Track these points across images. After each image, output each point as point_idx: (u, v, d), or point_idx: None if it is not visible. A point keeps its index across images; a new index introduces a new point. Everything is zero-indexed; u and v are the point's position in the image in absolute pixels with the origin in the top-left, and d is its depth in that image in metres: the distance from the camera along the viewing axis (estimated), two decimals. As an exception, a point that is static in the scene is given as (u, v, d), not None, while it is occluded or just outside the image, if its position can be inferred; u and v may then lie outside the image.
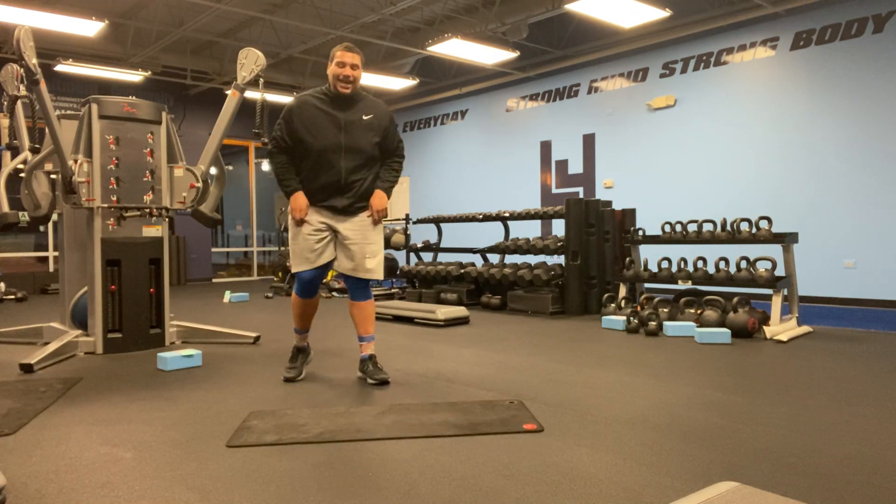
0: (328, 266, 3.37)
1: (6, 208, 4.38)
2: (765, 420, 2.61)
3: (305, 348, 3.61)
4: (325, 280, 9.45)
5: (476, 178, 11.04)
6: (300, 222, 3.30)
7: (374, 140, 3.33)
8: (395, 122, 3.46)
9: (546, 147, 9.91)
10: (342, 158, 3.27)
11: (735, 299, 4.85)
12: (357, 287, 3.38)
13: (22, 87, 4.58)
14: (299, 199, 3.27)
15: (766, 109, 7.58)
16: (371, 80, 9.60)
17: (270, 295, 8.46)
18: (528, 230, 8.91)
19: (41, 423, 2.66)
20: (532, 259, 7.23)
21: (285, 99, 11.02)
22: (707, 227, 5.38)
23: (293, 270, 3.38)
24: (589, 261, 6.25)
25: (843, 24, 6.99)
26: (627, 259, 5.82)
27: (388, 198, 3.42)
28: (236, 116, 4.62)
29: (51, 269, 10.01)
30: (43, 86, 3.76)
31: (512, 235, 7.44)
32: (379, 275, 3.38)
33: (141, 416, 2.76)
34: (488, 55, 8.40)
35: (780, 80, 7.48)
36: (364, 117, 3.30)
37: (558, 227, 9.01)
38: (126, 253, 4.34)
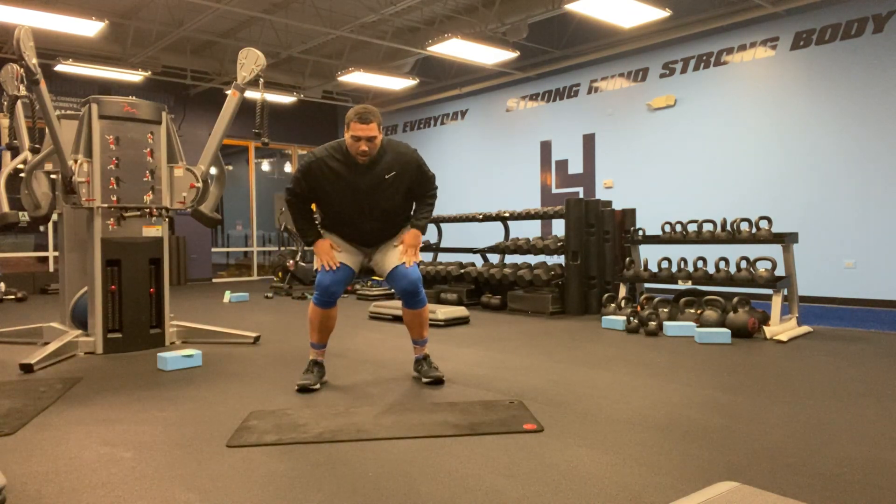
0: (349, 278, 3.29)
1: (6, 208, 4.38)
2: (765, 420, 2.61)
3: (322, 363, 3.37)
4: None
5: (476, 178, 11.04)
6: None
7: (400, 197, 3.23)
8: (422, 163, 3.29)
9: (546, 147, 9.91)
10: (366, 220, 3.22)
11: (735, 299, 4.85)
12: (408, 294, 3.24)
13: (22, 87, 4.58)
14: (323, 244, 3.20)
15: (766, 109, 7.58)
16: (371, 80, 9.61)
17: (270, 295, 8.46)
18: (528, 230, 8.90)
19: (41, 423, 2.66)
20: (532, 259, 7.23)
21: (285, 99, 11.05)
22: (707, 227, 5.38)
23: (317, 278, 3.26)
24: (589, 261, 6.25)
25: (843, 24, 6.99)
26: (627, 259, 5.82)
27: (423, 234, 3.37)
28: (236, 116, 4.62)
29: (51, 269, 10.01)
30: (43, 86, 3.76)
31: (512, 235, 7.44)
32: (416, 256, 3.29)
33: (141, 416, 2.76)
34: (488, 55, 8.39)
35: (780, 80, 7.48)
36: (387, 177, 3.14)
37: (558, 227, 9.00)
38: (126, 253, 4.34)
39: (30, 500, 1.88)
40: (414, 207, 3.39)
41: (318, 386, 3.24)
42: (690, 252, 5.56)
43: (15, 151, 4.76)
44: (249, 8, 7.95)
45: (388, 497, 1.86)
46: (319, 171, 3.13)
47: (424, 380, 3.33)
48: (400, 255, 3.26)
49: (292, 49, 9.38)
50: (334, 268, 3.17)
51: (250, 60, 4.56)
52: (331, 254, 3.19)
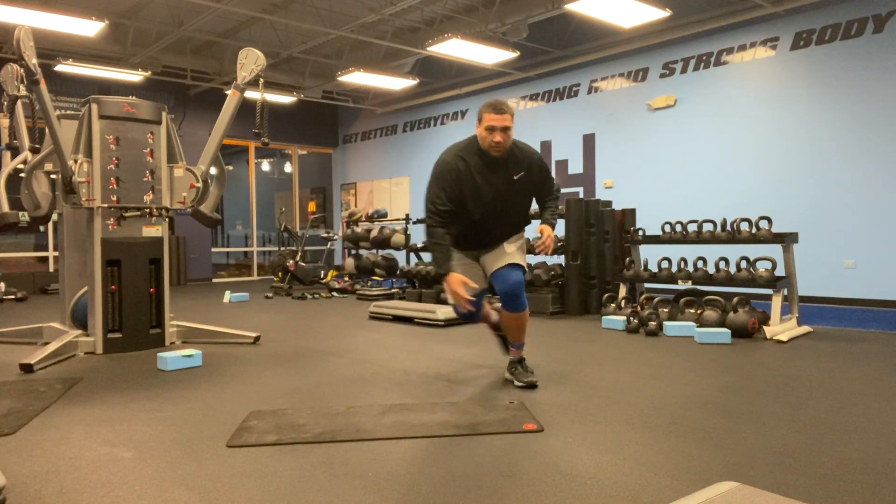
0: (482, 296, 3.27)
1: (6, 208, 4.38)
2: (765, 420, 2.61)
3: (521, 359, 3.34)
4: (324, 280, 9.46)
5: (476, 178, 11.03)
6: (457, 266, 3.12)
7: (525, 198, 3.21)
8: (545, 163, 3.29)
9: (546, 147, 9.90)
10: (490, 221, 3.14)
11: (735, 299, 4.85)
12: (509, 296, 3.14)
13: (22, 87, 4.58)
14: (455, 280, 2.95)
15: (766, 109, 7.58)
16: (371, 80, 9.60)
17: (270, 295, 8.46)
18: (528, 230, 8.90)
19: (41, 423, 2.66)
20: (532, 259, 7.22)
21: (285, 99, 11.04)
22: (707, 227, 5.38)
23: (454, 309, 3.18)
24: (589, 261, 6.25)
25: (843, 24, 6.99)
26: (627, 259, 5.82)
27: (553, 229, 3.29)
28: (236, 116, 4.62)
29: (51, 269, 10.01)
30: (43, 86, 3.76)
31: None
32: (522, 260, 3.22)
33: (141, 416, 2.76)
34: (488, 55, 8.39)
35: (780, 81, 7.48)
36: (515, 177, 3.10)
37: (558, 227, 9.00)
38: (126, 253, 4.34)
39: (30, 500, 1.88)
40: (542, 206, 3.36)
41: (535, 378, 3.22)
42: (690, 252, 5.56)
43: (15, 151, 4.76)
44: (249, 8, 7.95)
45: (388, 497, 1.86)
46: (455, 175, 3.02)
47: (517, 384, 3.23)
48: (508, 257, 3.17)
49: (292, 49, 9.38)
50: (465, 308, 3.02)
51: (250, 60, 4.56)
52: (462, 292, 2.93)
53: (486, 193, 3.07)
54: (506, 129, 2.99)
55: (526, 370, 3.29)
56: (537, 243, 3.25)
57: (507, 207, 3.16)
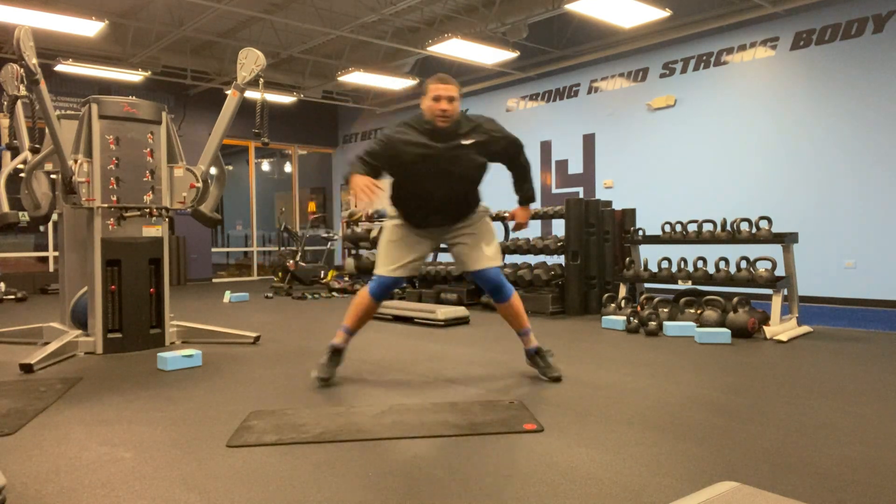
0: (402, 280, 3.34)
1: (6, 208, 4.38)
2: (765, 420, 2.61)
3: (343, 350, 3.40)
4: (324, 280, 9.46)
5: (476, 178, 11.03)
6: (401, 237, 3.26)
7: (476, 167, 3.21)
8: (497, 126, 3.27)
9: (546, 147, 9.90)
10: (439, 189, 3.19)
11: (735, 299, 4.85)
12: (494, 288, 3.29)
13: (22, 87, 4.58)
14: (361, 178, 2.98)
15: (765, 109, 7.58)
16: (371, 80, 9.60)
17: (270, 295, 8.46)
18: (529, 230, 8.91)
19: (41, 423, 2.66)
20: (532, 259, 7.22)
21: (285, 99, 11.05)
22: (707, 227, 5.38)
23: (376, 271, 3.30)
24: (589, 261, 6.25)
25: (843, 24, 6.99)
26: (627, 259, 5.82)
27: (533, 201, 3.45)
28: (236, 116, 4.62)
29: (51, 269, 10.01)
30: (43, 86, 3.76)
31: (512, 235, 7.43)
32: (498, 261, 3.33)
33: (141, 416, 2.76)
34: (488, 55, 8.39)
35: (780, 81, 7.48)
36: (464, 142, 3.15)
37: (558, 227, 9.00)
38: (126, 253, 4.34)
39: (30, 500, 1.88)
40: (513, 180, 3.42)
41: (331, 379, 3.29)
42: (690, 252, 5.56)
43: (15, 151, 4.76)
44: (249, 8, 7.95)
45: (388, 497, 1.86)
46: (399, 142, 3.10)
47: (543, 378, 3.34)
48: (487, 260, 3.28)
49: (292, 49, 9.38)
50: (371, 198, 2.96)
51: (250, 60, 4.56)
52: (370, 187, 2.93)
53: (432, 158, 3.12)
54: (451, 99, 3.06)
55: (548, 363, 3.36)
56: (513, 227, 3.44)
57: (455, 174, 3.18)
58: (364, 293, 3.32)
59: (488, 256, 3.29)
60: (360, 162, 3.11)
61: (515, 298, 3.36)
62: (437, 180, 3.17)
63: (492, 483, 1.96)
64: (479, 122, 3.23)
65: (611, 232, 6.29)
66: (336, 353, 3.36)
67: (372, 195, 2.94)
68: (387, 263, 3.30)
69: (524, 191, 3.44)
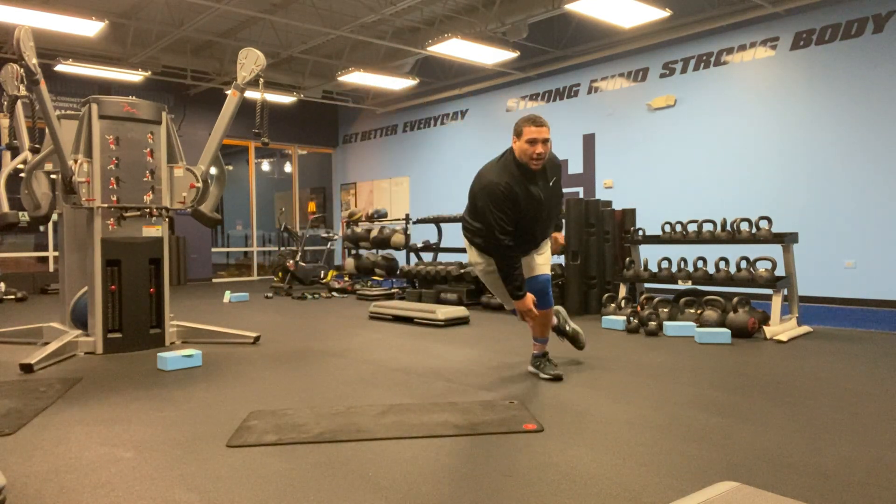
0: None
1: (6, 208, 4.38)
2: (765, 420, 2.61)
3: (545, 353, 3.56)
4: (324, 280, 9.46)
5: (476, 178, 11.03)
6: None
7: (560, 200, 3.48)
8: (560, 171, 3.46)
9: (546, 147, 9.89)
10: (539, 227, 3.34)
11: (735, 299, 4.85)
12: (540, 293, 3.39)
13: (22, 87, 4.58)
14: (529, 303, 3.25)
15: (766, 109, 7.58)
16: (371, 80, 9.60)
17: (270, 295, 8.46)
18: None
19: (41, 423, 2.66)
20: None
21: (285, 99, 11.04)
22: (707, 227, 5.38)
23: (507, 308, 3.50)
24: (589, 261, 6.24)
25: (843, 24, 6.99)
26: (627, 259, 5.82)
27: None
28: (236, 116, 4.62)
29: (51, 269, 10.01)
30: (43, 86, 3.76)
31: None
32: (546, 270, 3.46)
33: (141, 416, 2.76)
34: (488, 55, 8.39)
35: (780, 80, 7.48)
36: (551, 182, 3.31)
37: (558, 227, 9.01)
38: (126, 253, 4.34)
39: (30, 500, 1.88)
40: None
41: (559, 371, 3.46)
42: (690, 252, 5.56)
43: (15, 151, 4.76)
44: (249, 8, 7.95)
45: (388, 497, 1.86)
46: (517, 196, 3.14)
47: (543, 376, 3.43)
48: (539, 268, 3.43)
49: (292, 49, 9.38)
50: (531, 323, 3.41)
51: (250, 60, 4.56)
52: (534, 311, 3.26)
53: (533, 204, 3.22)
54: (546, 142, 3.14)
55: (551, 364, 3.47)
56: (553, 248, 3.59)
57: (549, 210, 3.36)
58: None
59: (540, 264, 3.45)
60: (510, 260, 3.21)
61: (551, 311, 3.51)
62: (538, 219, 3.30)
63: (492, 483, 1.96)
64: (553, 160, 3.36)
65: (611, 232, 6.29)
66: (543, 356, 3.54)
67: (536, 313, 3.28)
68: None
69: (558, 220, 3.68)
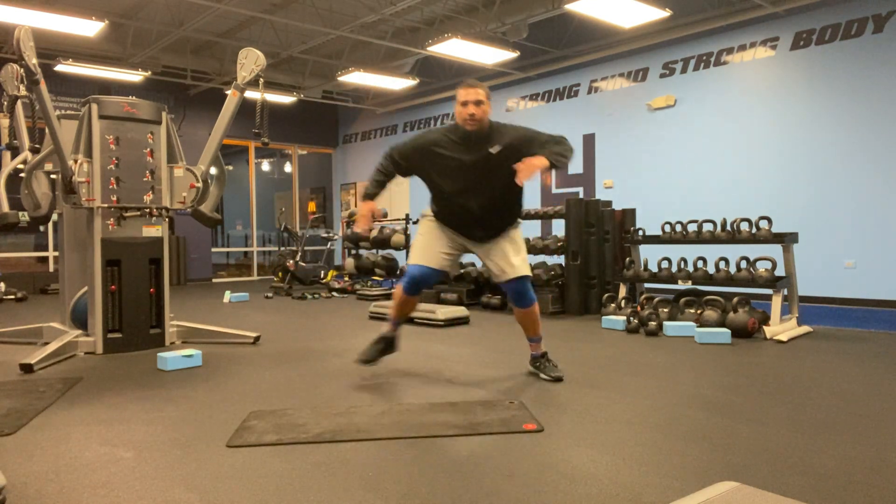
0: (439, 274, 3.43)
1: (6, 208, 4.38)
2: (765, 420, 2.61)
3: (392, 339, 3.53)
4: (324, 280, 9.46)
5: (476, 178, 11.02)
6: (432, 230, 3.37)
7: (507, 174, 3.01)
8: (528, 129, 3.21)
9: (546, 147, 9.89)
10: (472, 199, 3.24)
11: (735, 299, 4.85)
12: (517, 294, 3.37)
13: (22, 87, 4.58)
14: (366, 206, 3.26)
15: (766, 109, 7.58)
16: (371, 80, 9.60)
17: (270, 295, 8.46)
18: (529, 230, 8.90)
19: (41, 423, 2.66)
20: (532, 259, 7.22)
21: (285, 99, 11.05)
22: (707, 227, 5.38)
23: (409, 262, 3.42)
24: (589, 261, 6.24)
25: (843, 24, 6.99)
26: (627, 259, 5.82)
27: (550, 167, 2.92)
28: (236, 116, 4.62)
29: (51, 269, 10.01)
30: (43, 86, 3.76)
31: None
32: (527, 270, 3.38)
33: (141, 416, 2.76)
34: (488, 55, 8.39)
35: (780, 80, 7.48)
36: (493, 150, 3.15)
37: (558, 227, 9.00)
38: (126, 253, 4.34)
39: (30, 500, 1.88)
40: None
41: (377, 364, 3.50)
42: (690, 252, 5.56)
43: (15, 151, 4.76)
44: (249, 8, 7.95)
45: (388, 497, 1.86)
46: (427, 149, 3.22)
47: (543, 377, 3.41)
48: (515, 270, 3.33)
49: (292, 49, 9.38)
50: (366, 228, 3.32)
51: (250, 60, 4.56)
52: (367, 218, 3.26)
53: (462, 167, 3.19)
54: (478, 103, 3.11)
55: (552, 364, 3.44)
56: (518, 166, 2.94)
57: (486, 183, 3.21)
58: (398, 287, 3.44)
59: (516, 266, 3.34)
60: (380, 169, 3.29)
61: (536, 307, 3.44)
62: (472, 190, 3.22)
63: (492, 483, 1.96)
64: (507, 129, 3.24)
65: (611, 232, 6.29)
66: (382, 340, 3.51)
67: (370, 223, 3.28)
68: (415, 255, 3.40)
69: (551, 151, 3.02)
